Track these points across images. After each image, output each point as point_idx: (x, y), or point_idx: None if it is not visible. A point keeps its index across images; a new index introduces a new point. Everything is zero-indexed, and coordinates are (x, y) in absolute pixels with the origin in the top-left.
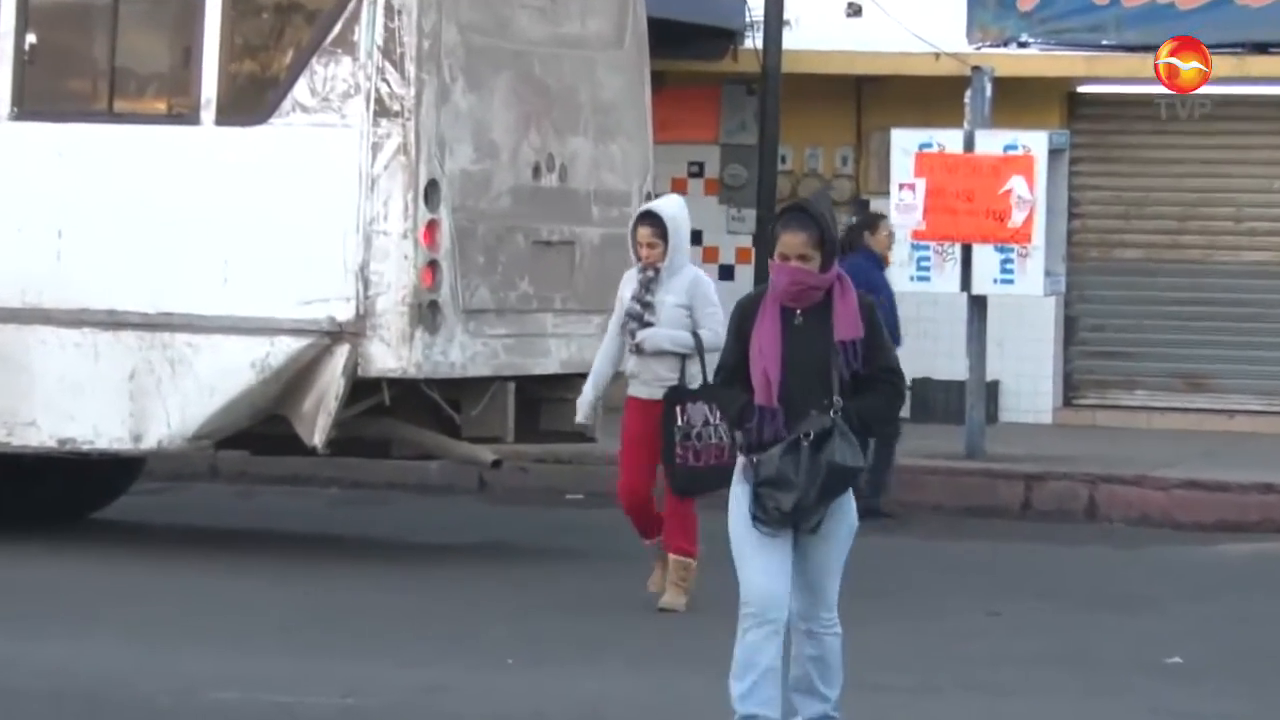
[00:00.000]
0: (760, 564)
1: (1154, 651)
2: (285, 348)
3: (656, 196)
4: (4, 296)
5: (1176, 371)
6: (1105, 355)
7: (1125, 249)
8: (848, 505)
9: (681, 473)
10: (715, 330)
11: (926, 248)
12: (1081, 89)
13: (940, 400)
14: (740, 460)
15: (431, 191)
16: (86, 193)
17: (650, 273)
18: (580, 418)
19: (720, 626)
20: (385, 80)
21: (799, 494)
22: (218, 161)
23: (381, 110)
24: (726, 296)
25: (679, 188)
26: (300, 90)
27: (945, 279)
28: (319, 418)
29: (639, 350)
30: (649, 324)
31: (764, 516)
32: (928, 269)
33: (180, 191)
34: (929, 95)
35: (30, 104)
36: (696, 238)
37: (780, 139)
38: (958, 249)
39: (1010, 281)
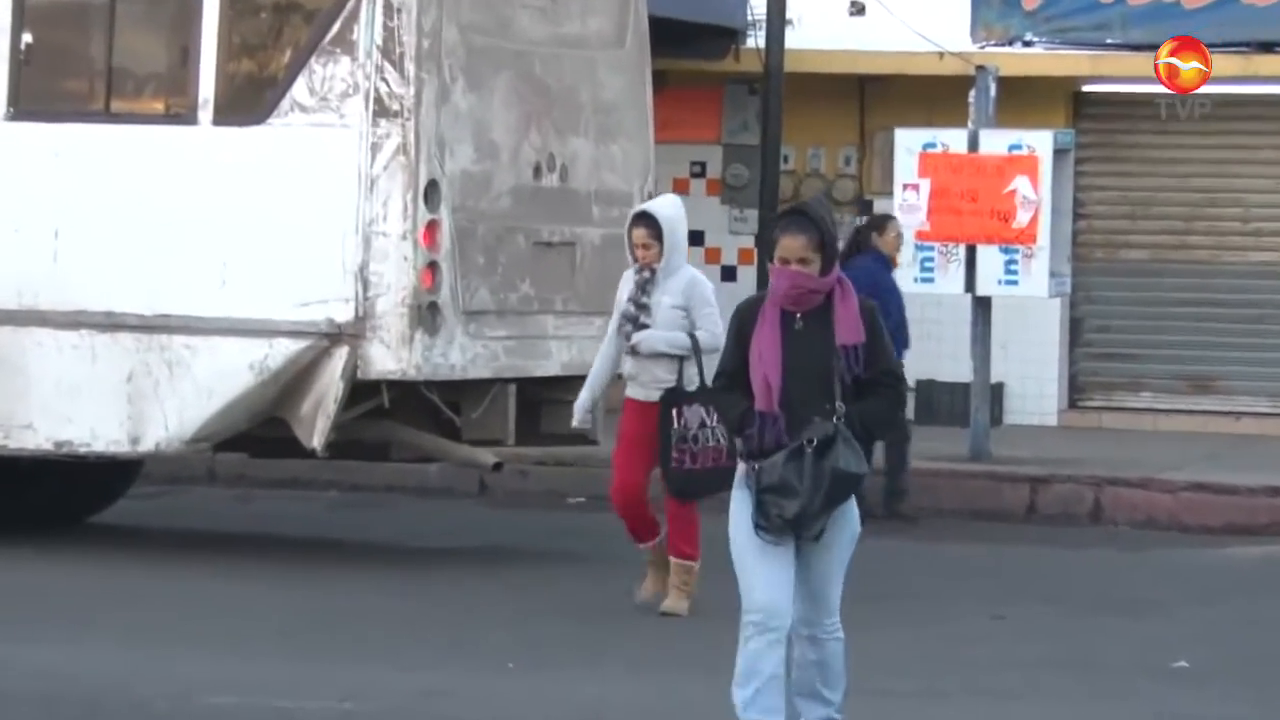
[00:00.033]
0: (763, 572)
1: (1160, 656)
2: (284, 349)
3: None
4: (0, 298)
5: (1183, 373)
6: (1111, 357)
7: (1131, 250)
8: (850, 512)
9: (678, 475)
10: (712, 331)
11: (930, 249)
12: (1087, 88)
13: (944, 402)
14: (741, 467)
15: (431, 192)
16: (83, 193)
17: (646, 274)
18: (576, 421)
19: (722, 631)
20: (384, 80)
21: (803, 501)
22: (215, 162)
23: (381, 110)
24: (728, 298)
25: (681, 188)
26: (299, 90)
27: (949, 280)
28: (318, 420)
29: (634, 352)
30: (645, 325)
31: (767, 524)
32: (932, 270)
33: (178, 192)
34: (933, 95)
35: (27, 104)
36: (699, 238)
37: (783, 139)
38: (962, 250)
39: (1015, 283)
